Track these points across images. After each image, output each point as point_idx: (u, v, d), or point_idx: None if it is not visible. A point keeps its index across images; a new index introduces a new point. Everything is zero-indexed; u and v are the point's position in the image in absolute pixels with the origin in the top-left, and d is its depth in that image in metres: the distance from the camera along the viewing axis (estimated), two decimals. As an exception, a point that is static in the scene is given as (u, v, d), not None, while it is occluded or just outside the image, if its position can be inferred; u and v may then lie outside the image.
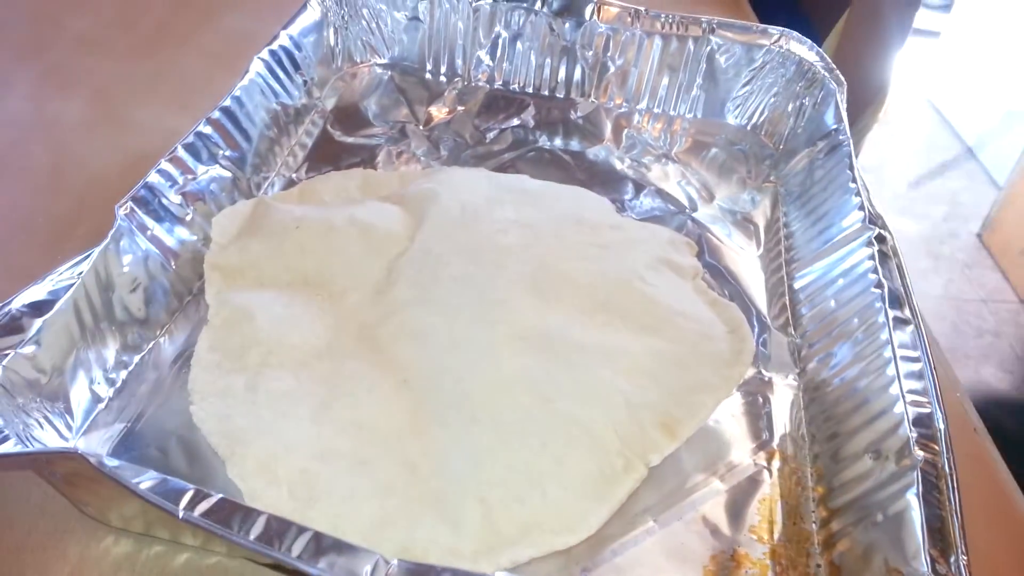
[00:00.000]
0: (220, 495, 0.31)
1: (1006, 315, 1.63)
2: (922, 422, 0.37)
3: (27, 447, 0.32)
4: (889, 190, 2.01)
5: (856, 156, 0.56)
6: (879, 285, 0.45)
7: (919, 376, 0.40)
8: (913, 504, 0.34)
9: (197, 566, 0.35)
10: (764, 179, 0.62)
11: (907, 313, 0.44)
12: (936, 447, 0.37)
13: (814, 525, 0.39)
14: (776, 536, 0.38)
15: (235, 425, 0.38)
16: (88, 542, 0.36)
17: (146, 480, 0.31)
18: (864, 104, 0.78)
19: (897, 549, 0.33)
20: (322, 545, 0.29)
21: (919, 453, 0.36)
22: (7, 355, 0.36)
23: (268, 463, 0.37)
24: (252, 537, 0.29)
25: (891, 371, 0.40)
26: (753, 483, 0.40)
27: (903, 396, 0.39)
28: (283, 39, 0.62)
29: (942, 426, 0.37)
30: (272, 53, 0.60)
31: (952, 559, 0.32)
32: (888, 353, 0.41)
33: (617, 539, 0.37)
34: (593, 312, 0.44)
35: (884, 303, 0.44)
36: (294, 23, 0.64)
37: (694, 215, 0.58)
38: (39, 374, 0.37)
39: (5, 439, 0.32)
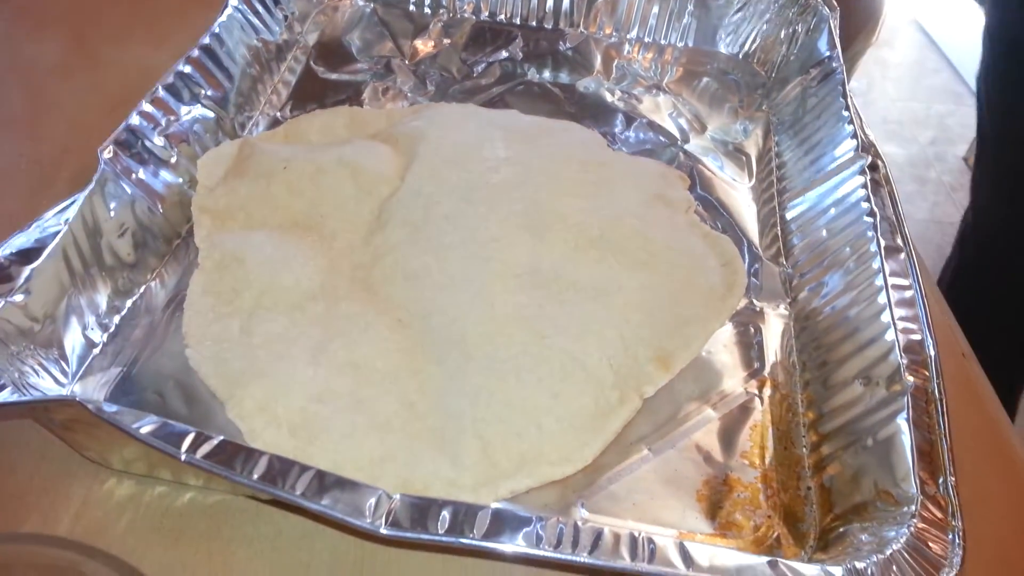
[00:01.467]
0: (221, 437, 0.31)
1: None
2: (912, 348, 0.38)
3: (24, 395, 0.33)
4: (877, 114, 1.99)
5: (848, 82, 0.55)
6: (871, 214, 0.45)
7: (910, 303, 0.40)
8: (903, 428, 0.35)
9: (201, 504, 0.36)
10: (756, 108, 0.61)
11: (899, 241, 0.44)
12: (926, 372, 0.37)
13: (804, 450, 0.40)
14: (767, 461, 0.39)
15: (232, 367, 0.38)
16: (91, 484, 0.36)
17: (146, 425, 0.31)
18: (857, 29, 0.76)
19: (887, 472, 0.34)
20: (325, 482, 0.30)
21: (909, 378, 0.36)
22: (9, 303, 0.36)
23: (267, 403, 0.37)
24: (255, 477, 0.30)
25: (882, 299, 0.40)
26: (745, 410, 0.41)
27: (894, 323, 0.39)
28: (261, -29, 0.60)
29: (932, 352, 0.38)
30: (250, -13, 0.59)
31: (940, 480, 0.33)
32: (879, 281, 0.41)
33: (613, 468, 0.38)
34: (586, 248, 0.44)
35: (876, 231, 0.44)
36: (270, -46, 0.62)
37: (686, 147, 0.57)
38: (31, 322, 0.37)
39: (2, 387, 0.32)
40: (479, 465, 0.36)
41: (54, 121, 0.58)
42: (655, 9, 0.66)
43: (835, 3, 0.61)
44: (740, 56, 0.66)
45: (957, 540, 0.31)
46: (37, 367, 0.37)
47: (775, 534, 0.36)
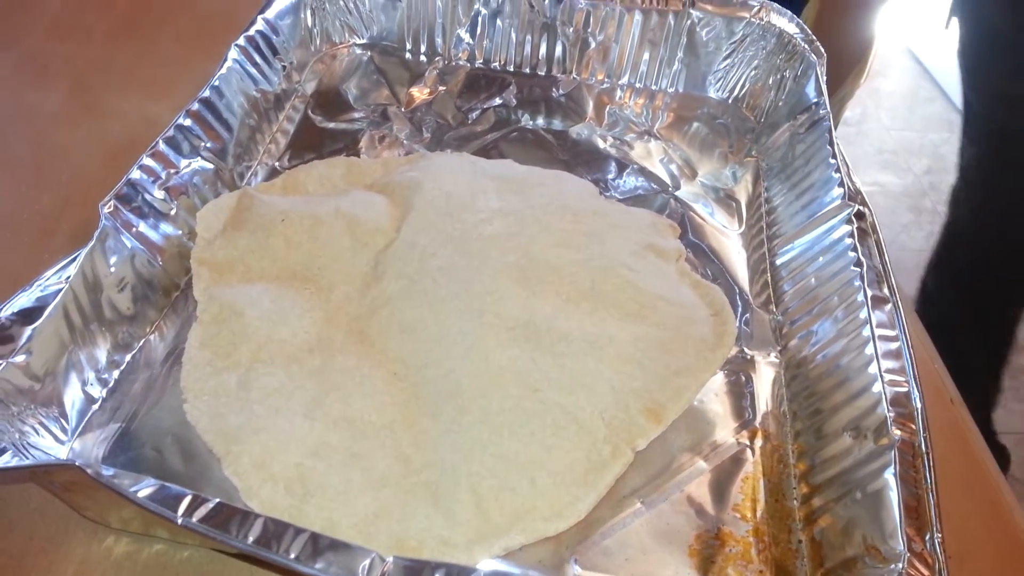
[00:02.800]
0: (217, 500, 0.31)
1: None
2: (899, 401, 0.39)
3: (24, 459, 0.33)
4: (871, 144, 2.01)
5: (840, 121, 0.57)
6: (858, 263, 0.46)
7: (896, 355, 0.41)
8: (891, 483, 0.35)
9: (197, 561, 0.36)
10: (746, 154, 0.62)
11: (885, 292, 0.45)
12: (913, 426, 0.38)
13: (795, 502, 0.40)
14: (759, 514, 0.39)
15: (229, 423, 0.39)
16: (90, 543, 0.36)
17: (144, 488, 0.32)
18: (847, 70, 0.78)
19: (875, 527, 0.35)
20: (319, 545, 0.30)
21: (896, 432, 0.37)
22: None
23: (263, 460, 0.37)
24: (250, 540, 0.30)
25: (869, 350, 0.41)
26: (736, 462, 0.42)
27: (881, 375, 0.40)
28: (260, 24, 0.61)
29: (919, 405, 0.39)
30: (249, 39, 0.60)
31: (927, 536, 0.34)
32: (867, 332, 0.42)
33: (606, 522, 0.38)
34: (578, 300, 0.45)
35: (863, 281, 0.45)
36: (270, 6, 0.63)
37: (677, 193, 0.58)
38: (32, 381, 0.38)
39: (3, 451, 0.33)
40: (473, 521, 0.36)
41: (57, 170, 0.59)
42: (646, 55, 0.67)
43: (822, 50, 0.62)
44: (729, 101, 0.67)
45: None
46: (37, 426, 0.38)
47: (767, 588, 0.36)
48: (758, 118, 0.65)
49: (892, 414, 0.38)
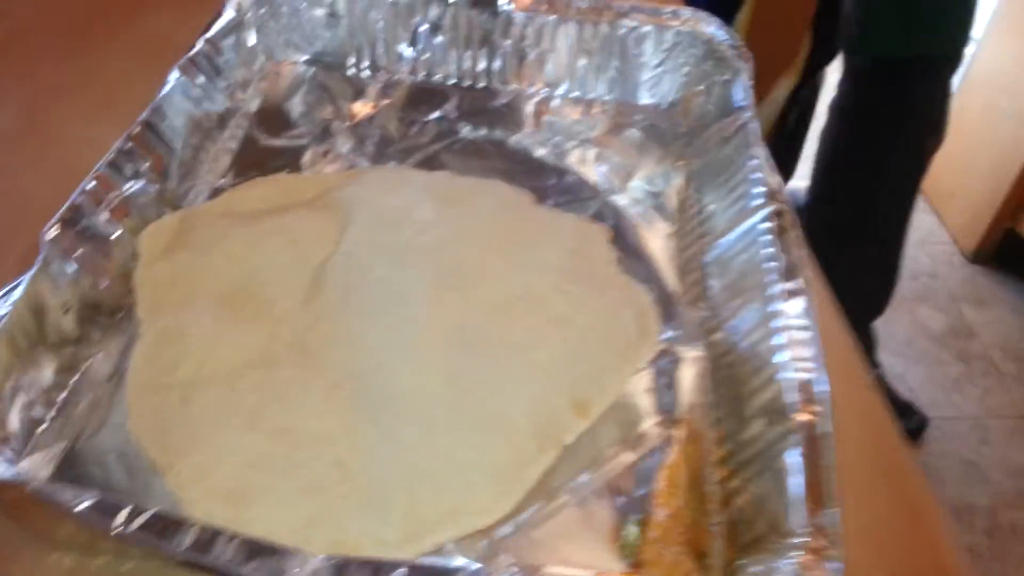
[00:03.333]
0: (155, 509, 0.33)
1: (941, 256, 1.70)
2: (806, 387, 0.41)
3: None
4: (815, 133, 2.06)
5: (772, 126, 0.59)
6: (775, 258, 0.49)
7: (808, 343, 0.44)
8: (797, 463, 0.38)
9: (145, 569, 0.38)
10: (678, 157, 0.65)
11: (800, 284, 0.47)
12: (819, 408, 0.40)
13: (715, 486, 0.42)
14: (680, 499, 0.42)
15: (171, 438, 0.41)
16: (39, 557, 0.38)
17: (84, 501, 0.33)
18: (779, 70, 0.81)
19: (781, 504, 0.37)
20: (251, 549, 0.32)
21: (803, 416, 0.39)
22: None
23: (204, 472, 0.39)
24: (185, 547, 0.32)
25: (780, 340, 0.44)
26: (660, 451, 0.44)
27: (790, 363, 0.42)
28: (202, 44, 0.63)
29: (826, 388, 0.41)
30: (191, 60, 0.61)
31: (828, 512, 0.36)
32: (781, 323, 0.45)
33: (533, 515, 0.40)
34: (508, 306, 0.47)
35: (779, 276, 0.47)
36: (212, 27, 0.64)
37: (612, 199, 0.60)
38: (-24, 404, 0.39)
39: (-55, 473, 0.34)
40: (406, 520, 0.38)
41: (4, 194, 0.60)
42: (582, 64, 0.69)
43: (749, 55, 0.65)
44: (663, 107, 0.69)
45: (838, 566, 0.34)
46: (-18, 448, 0.39)
47: (685, 570, 0.39)
48: (690, 123, 0.68)
49: (800, 398, 0.40)
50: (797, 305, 0.46)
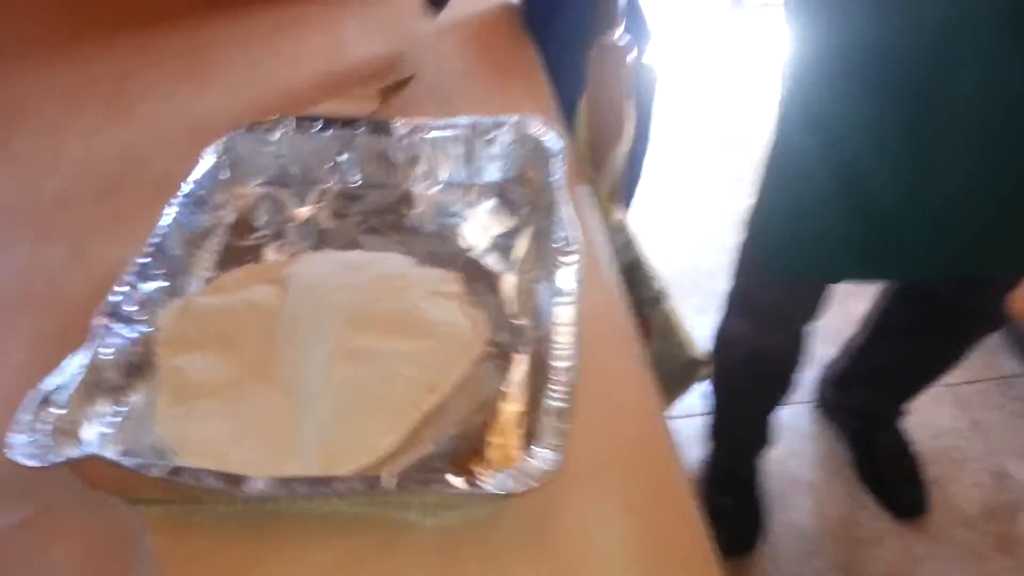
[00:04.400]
0: (181, 463, 0.60)
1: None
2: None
3: (66, 456, 0.62)
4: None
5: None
6: (561, 295, 0.75)
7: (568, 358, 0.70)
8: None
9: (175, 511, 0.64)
10: (526, 219, 0.92)
11: (572, 297, 0.74)
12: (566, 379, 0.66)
13: (520, 429, 0.68)
14: (513, 429, 0.68)
15: (182, 432, 0.68)
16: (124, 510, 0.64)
17: (142, 463, 0.60)
18: (610, 138, 1.08)
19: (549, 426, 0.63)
20: (229, 478, 0.59)
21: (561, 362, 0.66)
22: (54, 414, 0.65)
23: (201, 447, 0.66)
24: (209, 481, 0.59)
25: (564, 350, 0.70)
26: (494, 413, 0.70)
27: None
28: (190, 186, 0.92)
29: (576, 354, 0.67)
30: (184, 197, 0.90)
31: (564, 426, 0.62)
32: (564, 339, 0.71)
33: (407, 453, 0.66)
34: (387, 331, 0.74)
35: (561, 297, 0.74)
36: (196, 170, 0.94)
37: (475, 253, 0.87)
38: (66, 426, 0.66)
39: (58, 457, 0.61)
40: (321, 458, 0.65)
41: (60, 303, 0.88)
42: (460, 163, 0.97)
43: (563, 141, 0.93)
44: (518, 183, 0.97)
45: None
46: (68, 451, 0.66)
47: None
48: (532, 192, 0.95)
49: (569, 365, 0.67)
50: (569, 334, 0.72)
